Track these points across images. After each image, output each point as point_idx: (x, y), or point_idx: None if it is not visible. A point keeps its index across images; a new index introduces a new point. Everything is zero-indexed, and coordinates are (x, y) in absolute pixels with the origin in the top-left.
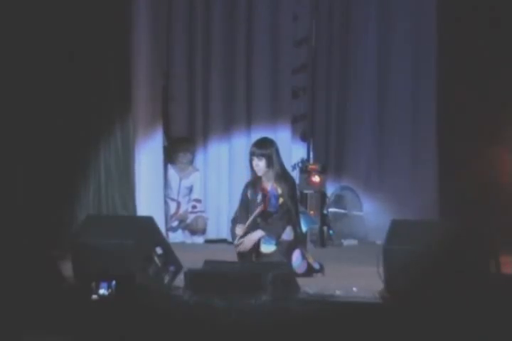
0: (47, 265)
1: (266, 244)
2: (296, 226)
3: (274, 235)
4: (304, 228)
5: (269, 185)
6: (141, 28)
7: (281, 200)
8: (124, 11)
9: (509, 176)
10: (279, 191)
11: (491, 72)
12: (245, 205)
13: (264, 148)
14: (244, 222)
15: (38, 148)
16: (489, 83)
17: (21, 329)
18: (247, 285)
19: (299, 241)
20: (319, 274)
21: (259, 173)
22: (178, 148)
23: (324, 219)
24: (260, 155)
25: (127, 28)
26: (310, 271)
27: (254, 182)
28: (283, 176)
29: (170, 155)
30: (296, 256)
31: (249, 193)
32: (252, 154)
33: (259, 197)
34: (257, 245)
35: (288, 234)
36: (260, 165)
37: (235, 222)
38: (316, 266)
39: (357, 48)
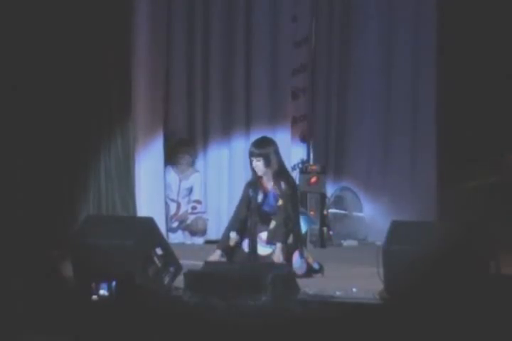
0: (47, 265)
1: (263, 246)
2: (295, 229)
3: (279, 242)
4: (303, 228)
5: (269, 184)
6: (141, 28)
7: (280, 202)
8: (124, 12)
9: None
10: (279, 192)
11: (491, 72)
12: (246, 204)
13: (261, 147)
14: (237, 227)
15: (39, 148)
16: (490, 83)
17: (21, 329)
18: (247, 286)
19: (299, 242)
20: (319, 275)
21: (259, 173)
22: (177, 150)
23: (324, 220)
24: (258, 155)
25: (127, 28)
26: (310, 272)
27: (255, 182)
28: (282, 176)
29: (170, 157)
30: (295, 257)
31: (250, 192)
32: (250, 154)
33: (260, 197)
34: (254, 247)
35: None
36: (259, 165)
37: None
38: (316, 266)
39: (357, 48)
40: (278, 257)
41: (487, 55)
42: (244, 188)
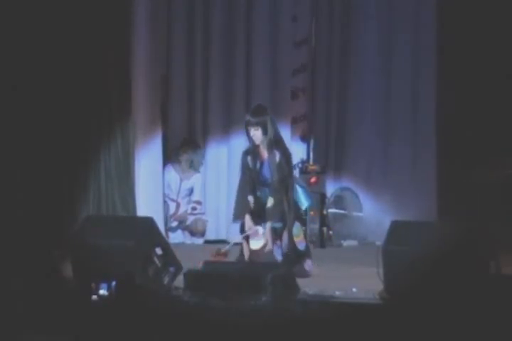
0: (47, 265)
1: (255, 240)
2: (287, 209)
3: (274, 221)
4: (305, 203)
5: (265, 153)
6: (141, 28)
7: (275, 177)
8: (124, 12)
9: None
10: (272, 163)
11: (491, 72)
12: (247, 169)
13: (259, 116)
14: (250, 191)
15: (39, 148)
16: (489, 83)
17: (21, 329)
18: (247, 286)
19: (293, 219)
20: (315, 267)
21: (257, 142)
22: (180, 149)
23: (324, 220)
24: (255, 124)
25: (127, 29)
26: (294, 251)
27: (252, 151)
28: (276, 146)
29: (171, 156)
30: (285, 237)
31: (249, 160)
32: (247, 124)
33: (258, 166)
34: (247, 242)
35: None
36: (257, 134)
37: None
38: (302, 247)
39: (357, 48)
40: (266, 236)
41: (487, 55)
42: (242, 157)
